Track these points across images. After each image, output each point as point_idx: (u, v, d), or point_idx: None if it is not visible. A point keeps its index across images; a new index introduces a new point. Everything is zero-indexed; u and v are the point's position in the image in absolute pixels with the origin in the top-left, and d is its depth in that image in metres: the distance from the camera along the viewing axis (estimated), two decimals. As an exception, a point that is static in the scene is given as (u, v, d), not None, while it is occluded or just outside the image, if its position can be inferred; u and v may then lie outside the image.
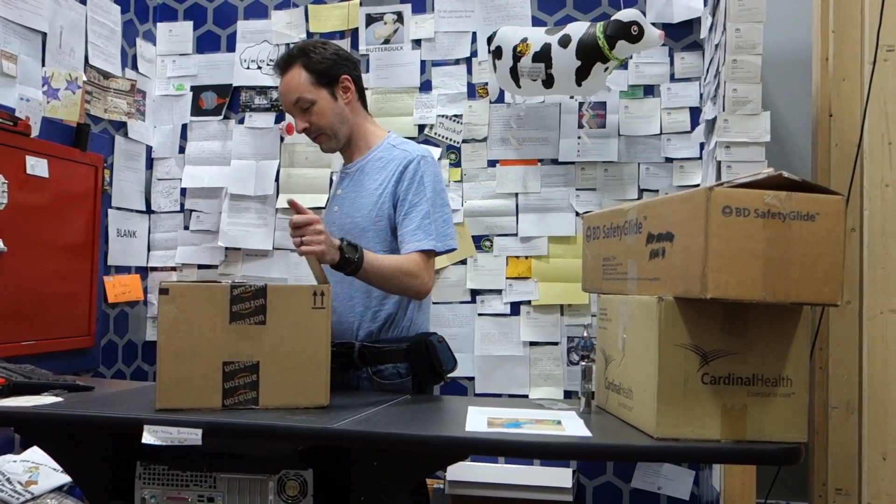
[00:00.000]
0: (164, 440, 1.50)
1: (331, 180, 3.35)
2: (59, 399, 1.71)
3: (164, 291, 1.57)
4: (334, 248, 1.75)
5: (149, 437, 1.51)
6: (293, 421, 1.48)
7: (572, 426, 1.53)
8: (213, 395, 1.60)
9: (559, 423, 1.56)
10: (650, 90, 3.19)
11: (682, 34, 3.15)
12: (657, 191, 3.15)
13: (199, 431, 1.49)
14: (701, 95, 3.11)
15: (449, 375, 3.14)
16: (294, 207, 1.73)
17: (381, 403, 1.73)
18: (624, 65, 3.10)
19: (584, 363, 1.72)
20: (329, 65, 2.07)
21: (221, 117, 3.53)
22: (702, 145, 3.07)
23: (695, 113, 3.12)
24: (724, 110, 2.45)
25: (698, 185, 3.06)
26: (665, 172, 3.15)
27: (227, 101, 3.52)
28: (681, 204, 1.42)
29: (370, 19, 3.43)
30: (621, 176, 3.18)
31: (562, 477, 2.95)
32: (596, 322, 1.81)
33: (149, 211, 3.55)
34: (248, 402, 1.60)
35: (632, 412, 1.53)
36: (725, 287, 1.30)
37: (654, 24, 2.87)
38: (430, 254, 1.98)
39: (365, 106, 2.20)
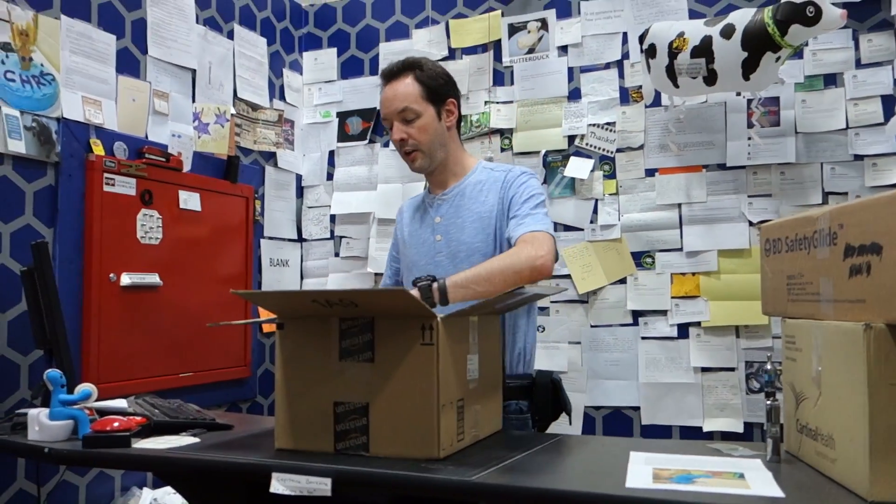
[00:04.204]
0: (292, 489, 1.38)
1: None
2: (195, 440, 1.65)
3: (280, 326, 1.48)
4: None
5: (278, 485, 1.40)
6: (428, 471, 1.32)
7: (758, 481, 1.26)
8: (325, 438, 1.47)
9: (741, 476, 1.30)
10: (832, 79, 2.81)
11: (867, 12, 2.76)
12: (846, 193, 2.76)
13: (329, 481, 1.36)
14: (895, 81, 2.69)
15: (613, 405, 2.93)
16: None
17: (528, 448, 1.53)
18: (798, 53, 2.75)
19: (769, 401, 1.44)
20: (440, 83, 2.06)
21: (367, 141, 3.49)
22: (899, 138, 2.65)
23: (888, 102, 2.71)
24: (928, 94, 2.08)
25: (898, 184, 2.64)
26: (855, 172, 2.76)
27: (372, 125, 3.48)
28: (890, 206, 1.13)
29: (513, 29, 3.28)
30: (801, 179, 2.82)
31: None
32: (780, 347, 1.53)
33: (300, 239, 3.56)
34: (358, 447, 1.45)
35: (834, 466, 1.24)
36: (960, 312, 1.01)
37: (833, 2, 2.50)
38: (538, 233, 1.89)
39: (460, 135, 2.15)
